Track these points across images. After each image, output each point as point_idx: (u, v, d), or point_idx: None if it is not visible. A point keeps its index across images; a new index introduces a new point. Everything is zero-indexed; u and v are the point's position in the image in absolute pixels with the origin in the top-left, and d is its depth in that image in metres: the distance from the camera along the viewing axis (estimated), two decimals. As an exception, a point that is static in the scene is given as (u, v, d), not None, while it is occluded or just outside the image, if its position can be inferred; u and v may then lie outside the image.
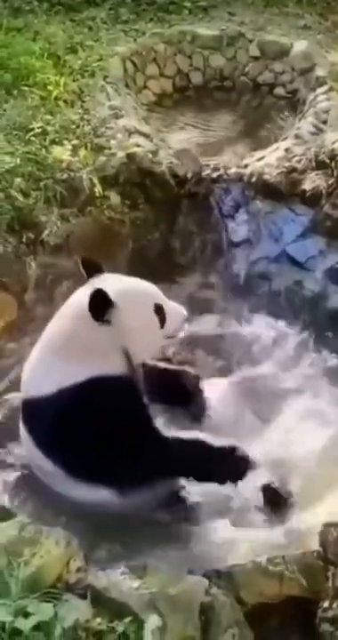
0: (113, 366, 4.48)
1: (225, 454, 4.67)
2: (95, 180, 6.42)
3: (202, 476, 4.67)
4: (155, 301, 4.68)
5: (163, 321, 4.68)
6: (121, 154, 6.71)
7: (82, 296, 4.50)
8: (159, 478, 4.62)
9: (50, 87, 7.42)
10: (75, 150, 6.64)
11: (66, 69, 7.93)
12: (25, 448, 4.77)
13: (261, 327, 6.18)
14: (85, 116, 7.22)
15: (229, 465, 4.67)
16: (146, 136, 7.16)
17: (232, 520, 4.57)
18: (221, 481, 4.64)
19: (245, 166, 7.00)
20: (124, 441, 4.42)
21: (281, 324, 6.19)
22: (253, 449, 4.84)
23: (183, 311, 4.81)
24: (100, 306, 4.38)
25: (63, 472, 4.52)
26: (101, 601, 3.34)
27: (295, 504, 4.66)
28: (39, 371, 4.57)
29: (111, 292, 4.41)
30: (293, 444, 5.06)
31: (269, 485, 4.69)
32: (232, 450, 4.69)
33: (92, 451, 4.40)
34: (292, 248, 6.55)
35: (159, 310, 4.67)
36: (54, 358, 4.46)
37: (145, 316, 4.62)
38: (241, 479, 4.66)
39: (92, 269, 4.72)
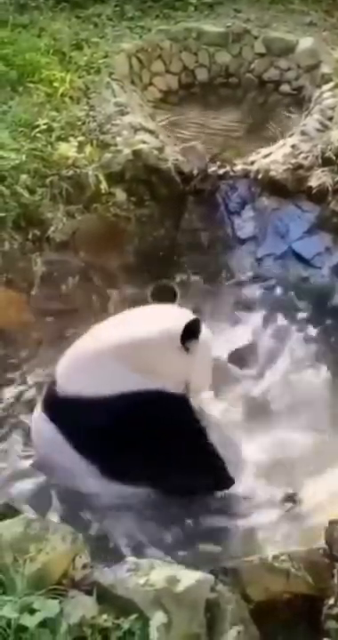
0: (175, 389, 4.59)
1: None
2: (101, 177, 6.43)
3: None
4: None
5: None
6: (127, 150, 6.72)
7: (169, 317, 4.68)
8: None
9: (55, 84, 7.42)
10: (80, 147, 6.65)
11: (71, 66, 7.93)
12: (41, 440, 4.79)
13: (266, 324, 6.17)
14: (91, 113, 7.22)
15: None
16: (151, 133, 7.15)
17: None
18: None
19: (252, 163, 7.01)
20: (177, 455, 4.57)
21: (287, 320, 6.18)
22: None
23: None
24: (192, 334, 4.53)
25: (98, 471, 4.57)
26: (107, 598, 3.34)
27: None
28: (94, 371, 4.58)
29: None
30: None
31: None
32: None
33: (140, 459, 4.50)
34: (298, 245, 6.56)
35: None
36: (119, 365, 4.50)
37: (208, 361, 4.81)
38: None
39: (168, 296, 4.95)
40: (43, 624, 3.13)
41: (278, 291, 6.43)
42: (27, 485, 4.72)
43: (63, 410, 4.66)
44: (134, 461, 4.51)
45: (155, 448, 4.48)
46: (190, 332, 4.52)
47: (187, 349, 4.54)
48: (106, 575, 3.45)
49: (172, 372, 4.56)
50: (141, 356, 4.51)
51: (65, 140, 6.72)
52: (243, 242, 6.75)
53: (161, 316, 4.70)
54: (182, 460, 4.57)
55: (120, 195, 6.56)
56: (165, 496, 4.62)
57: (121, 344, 4.56)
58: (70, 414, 4.61)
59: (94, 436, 4.52)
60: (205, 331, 4.72)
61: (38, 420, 4.80)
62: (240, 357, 5.78)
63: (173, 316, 4.64)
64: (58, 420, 4.65)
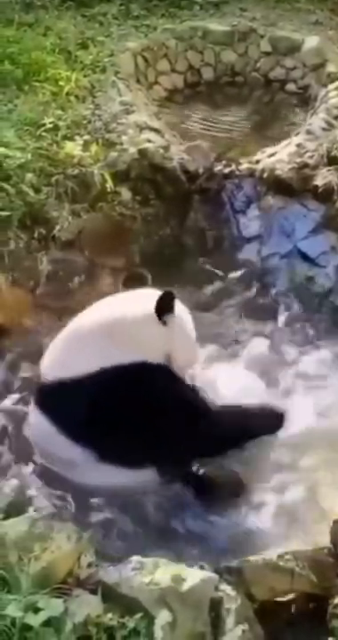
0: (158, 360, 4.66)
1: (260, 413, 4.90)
2: (106, 176, 6.43)
3: (242, 442, 4.83)
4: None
5: None
6: (132, 149, 6.71)
7: (147, 296, 4.72)
8: (202, 457, 4.75)
9: (61, 82, 7.42)
10: (86, 146, 6.64)
11: (77, 65, 7.94)
12: (37, 434, 4.79)
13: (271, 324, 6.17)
14: (97, 112, 7.23)
15: (265, 420, 4.89)
16: (157, 132, 7.15)
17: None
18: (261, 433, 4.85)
19: (257, 162, 7.00)
20: (168, 423, 4.54)
21: (292, 320, 6.18)
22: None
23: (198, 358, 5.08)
24: (166, 306, 4.63)
25: (95, 456, 4.53)
26: (112, 596, 3.34)
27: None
28: (73, 352, 4.63)
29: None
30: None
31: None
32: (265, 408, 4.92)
33: (134, 432, 4.46)
34: (303, 244, 6.54)
35: None
36: (99, 342, 4.55)
37: (189, 334, 4.86)
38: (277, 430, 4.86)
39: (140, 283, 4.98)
40: (47, 623, 3.13)
41: (283, 290, 6.43)
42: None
43: (48, 396, 4.67)
44: (128, 438, 4.47)
45: (146, 419, 4.48)
46: (165, 305, 4.61)
47: (164, 323, 4.64)
48: (111, 574, 3.46)
49: (152, 346, 4.62)
50: (121, 332, 4.56)
51: (70, 138, 6.72)
52: (248, 241, 6.74)
53: (138, 297, 4.78)
54: (175, 428, 4.57)
55: (125, 194, 6.56)
56: (165, 473, 4.60)
57: (100, 322, 4.62)
58: (55, 399, 4.62)
59: (82, 416, 4.50)
60: (181, 307, 4.82)
61: (31, 413, 4.82)
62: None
63: (150, 295, 4.69)
64: (45, 409, 4.66)
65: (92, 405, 4.47)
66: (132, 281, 4.97)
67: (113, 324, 4.59)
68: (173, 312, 4.65)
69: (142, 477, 4.57)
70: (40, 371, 4.77)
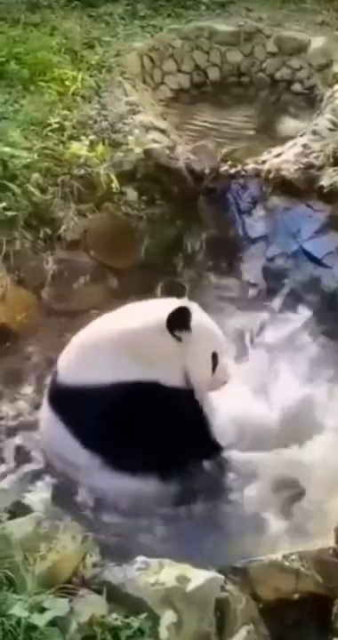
0: (173, 379, 4.59)
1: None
2: (112, 176, 6.43)
3: None
4: (214, 349, 4.79)
5: (214, 368, 4.80)
6: (138, 149, 6.71)
7: (163, 307, 4.64)
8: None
9: (67, 82, 7.42)
10: (92, 146, 6.64)
11: (83, 65, 7.95)
12: (46, 434, 4.81)
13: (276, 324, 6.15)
14: (103, 112, 7.23)
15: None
16: (163, 132, 7.15)
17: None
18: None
19: (263, 162, 6.99)
20: (176, 446, 4.57)
21: (297, 320, 6.16)
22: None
23: (229, 376, 4.92)
24: (179, 322, 4.55)
25: (103, 462, 4.55)
26: (117, 596, 3.34)
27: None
28: (92, 360, 4.62)
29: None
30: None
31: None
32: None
33: (144, 444, 4.49)
34: (309, 244, 6.54)
35: (214, 358, 4.79)
36: (116, 354, 4.53)
37: (205, 353, 4.73)
38: None
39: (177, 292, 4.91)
40: (53, 623, 3.13)
41: (289, 290, 6.42)
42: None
43: (63, 399, 4.69)
44: (135, 448, 4.49)
45: (152, 435, 4.49)
46: (178, 321, 4.53)
47: (179, 339, 4.56)
48: (116, 574, 3.46)
49: (166, 361, 4.56)
50: (137, 345, 4.52)
51: (76, 138, 6.72)
52: (254, 241, 6.74)
53: (159, 308, 4.69)
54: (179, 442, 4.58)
55: (131, 194, 6.57)
56: (165, 482, 4.61)
57: (118, 334, 4.60)
58: (69, 403, 4.64)
59: (94, 424, 4.52)
60: (203, 321, 4.74)
61: (44, 412, 4.84)
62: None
63: (171, 308, 4.61)
64: (59, 411, 4.68)
65: (104, 415, 4.49)
66: (170, 291, 4.95)
67: (129, 336, 4.57)
68: (187, 328, 4.57)
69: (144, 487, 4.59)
70: (56, 370, 4.78)
